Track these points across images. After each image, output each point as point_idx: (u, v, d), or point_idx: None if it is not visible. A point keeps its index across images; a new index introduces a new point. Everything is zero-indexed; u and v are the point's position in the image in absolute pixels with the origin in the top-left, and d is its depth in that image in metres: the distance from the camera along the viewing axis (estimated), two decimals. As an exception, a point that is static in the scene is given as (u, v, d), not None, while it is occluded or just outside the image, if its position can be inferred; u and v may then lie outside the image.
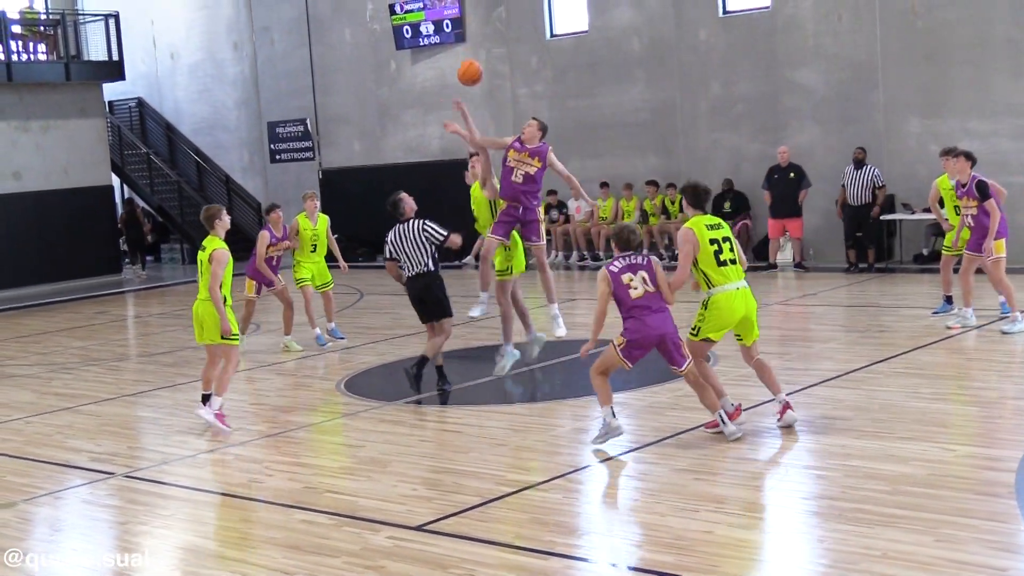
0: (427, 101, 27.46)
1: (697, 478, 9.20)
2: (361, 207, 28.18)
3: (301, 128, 29.89)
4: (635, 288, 9.81)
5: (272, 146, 30.58)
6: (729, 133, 23.06)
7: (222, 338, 11.26)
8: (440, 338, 12.61)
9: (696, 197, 10.26)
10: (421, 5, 27.01)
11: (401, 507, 8.92)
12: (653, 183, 23.73)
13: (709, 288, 9.95)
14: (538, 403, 11.97)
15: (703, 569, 7.24)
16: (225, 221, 11.54)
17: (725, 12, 23.08)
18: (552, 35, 25.57)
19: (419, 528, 8.38)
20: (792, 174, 21.47)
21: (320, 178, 29.43)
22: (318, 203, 16.83)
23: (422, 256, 12.57)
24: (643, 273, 9.86)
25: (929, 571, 6.92)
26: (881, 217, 20.81)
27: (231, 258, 11.31)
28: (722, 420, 9.97)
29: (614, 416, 9.97)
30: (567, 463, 9.93)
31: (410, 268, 12.63)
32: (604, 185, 24.36)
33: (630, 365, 9.98)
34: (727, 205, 22.71)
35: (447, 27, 26.76)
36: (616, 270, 9.89)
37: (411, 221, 12.77)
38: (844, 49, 21.53)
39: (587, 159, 24.60)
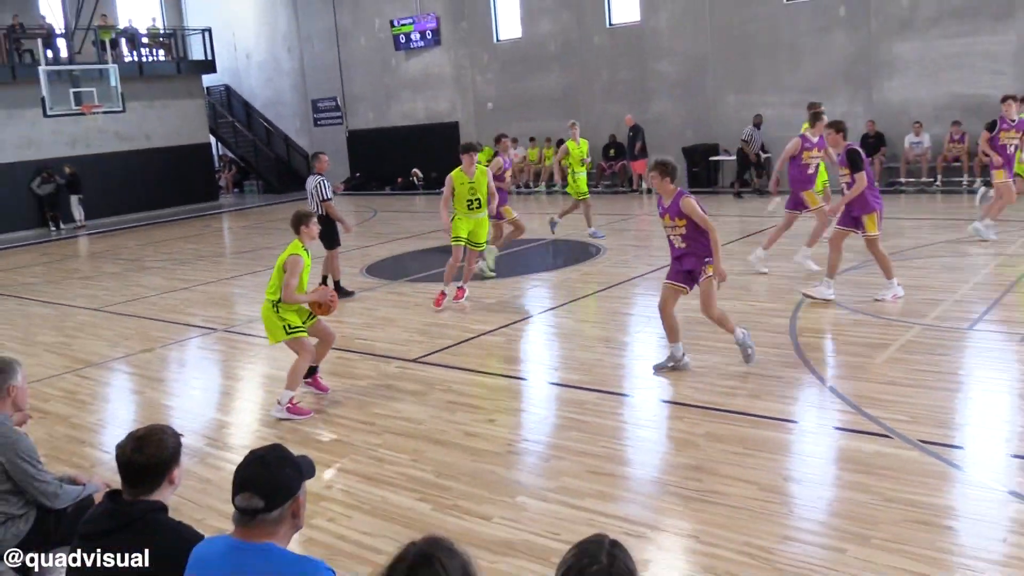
0: (415, 85, 27.09)
1: (592, 325, 9.35)
2: (374, 155, 28.08)
3: (334, 103, 29.39)
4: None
5: (315, 115, 30.07)
6: (613, 105, 22.84)
7: (287, 333, 7.23)
8: (334, 261, 11.50)
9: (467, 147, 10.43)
10: (411, 20, 26.44)
11: (404, 347, 8.99)
12: (560, 141, 23.59)
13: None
14: (488, 280, 12.02)
15: (597, 383, 7.37)
16: (312, 230, 7.36)
17: (610, 24, 22.71)
18: (498, 39, 25.06)
19: (415, 360, 8.46)
20: (632, 133, 21.58)
21: (347, 136, 29.09)
22: (577, 129, 14.57)
23: (314, 202, 11.09)
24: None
25: (737, 380, 7.08)
26: (711, 158, 20.91)
27: (307, 263, 7.26)
28: None
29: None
30: (508, 318, 10.00)
31: (310, 208, 10.91)
32: (532, 139, 24.25)
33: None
34: (611, 152, 22.64)
35: (429, 35, 26.24)
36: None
37: (314, 176, 11.27)
38: (687, 48, 21.31)
39: (522, 123, 24.40)
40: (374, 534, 5.00)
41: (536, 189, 23.65)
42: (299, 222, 7.39)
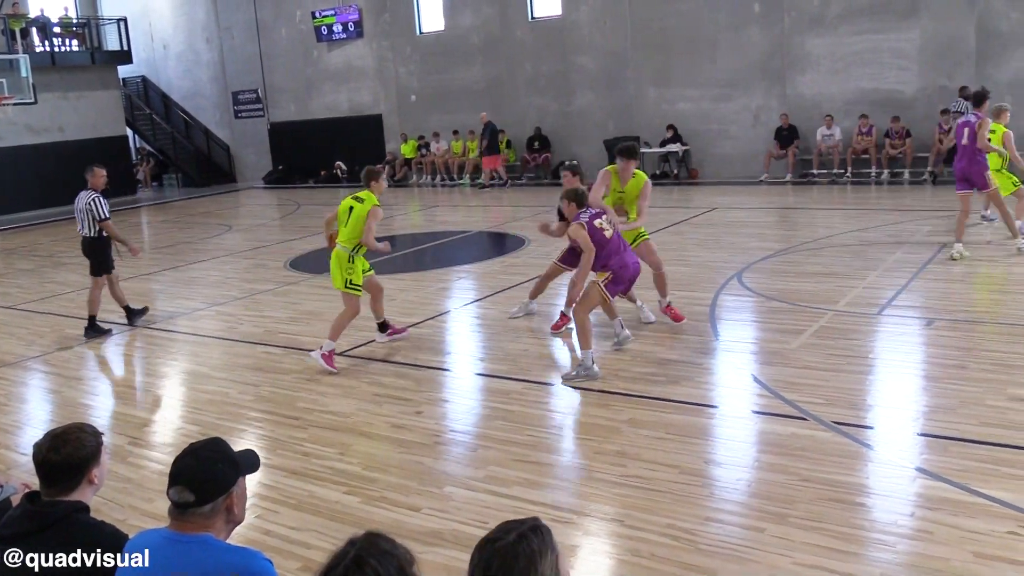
0: (338, 77, 26.72)
1: (516, 318, 9.35)
2: (297, 147, 27.64)
3: (255, 95, 28.82)
4: (607, 230, 7.48)
5: (235, 108, 29.41)
6: (537, 98, 22.93)
7: (347, 286, 7.90)
8: (95, 291, 10.09)
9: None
10: (333, 12, 26.04)
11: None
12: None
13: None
14: (413, 272, 11.95)
15: (522, 373, 7.40)
16: (382, 184, 8.08)
17: (532, 18, 22.73)
18: (420, 32, 24.87)
19: (341, 354, 8.35)
20: (483, 130, 22.22)
21: (269, 129, 28.56)
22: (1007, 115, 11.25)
23: (87, 222, 10.03)
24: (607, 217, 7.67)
25: (658, 367, 7.19)
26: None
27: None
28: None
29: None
30: (434, 310, 9.98)
31: (80, 228, 10.16)
32: (455, 132, 24.14)
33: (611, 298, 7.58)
34: (536, 144, 22.72)
35: (351, 27, 25.89)
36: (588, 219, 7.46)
37: (89, 192, 10.11)
38: (607, 43, 21.49)
39: (444, 115, 24.31)
40: (301, 528, 4.94)
41: (460, 182, 23.61)
42: (370, 177, 8.06)
